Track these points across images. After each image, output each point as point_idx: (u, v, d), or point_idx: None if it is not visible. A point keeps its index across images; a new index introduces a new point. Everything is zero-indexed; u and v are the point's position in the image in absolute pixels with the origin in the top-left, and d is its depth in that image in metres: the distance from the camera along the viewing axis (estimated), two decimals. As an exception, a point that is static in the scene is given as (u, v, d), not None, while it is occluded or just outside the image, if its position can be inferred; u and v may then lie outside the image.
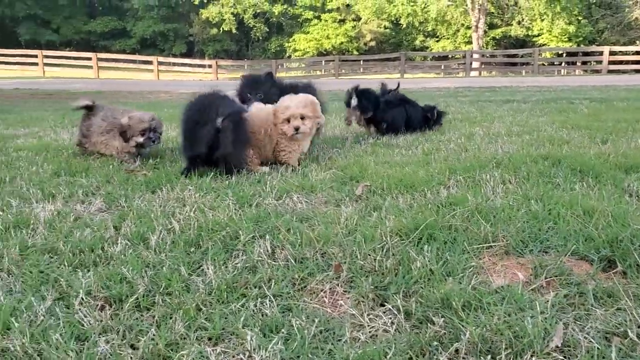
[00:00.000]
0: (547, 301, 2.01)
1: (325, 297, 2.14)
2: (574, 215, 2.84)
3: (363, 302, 2.09)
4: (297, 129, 4.28)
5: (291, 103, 4.33)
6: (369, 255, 2.44)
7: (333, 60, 37.86)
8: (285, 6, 53.34)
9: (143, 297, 2.10)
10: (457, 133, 6.18)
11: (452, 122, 7.55)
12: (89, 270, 2.35)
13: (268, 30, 54.75)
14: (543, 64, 37.26)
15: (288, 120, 4.30)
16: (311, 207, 3.30)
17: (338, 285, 2.23)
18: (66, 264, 2.43)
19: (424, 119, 6.55)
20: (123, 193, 3.66)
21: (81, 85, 28.38)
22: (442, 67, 37.81)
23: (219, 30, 52.81)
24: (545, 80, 27.46)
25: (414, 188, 3.60)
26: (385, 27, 51.14)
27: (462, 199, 3.21)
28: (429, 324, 1.90)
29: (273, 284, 2.22)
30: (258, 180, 4.00)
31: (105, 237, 2.75)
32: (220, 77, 37.44)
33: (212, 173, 4.07)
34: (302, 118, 4.31)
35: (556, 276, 2.22)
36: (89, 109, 4.94)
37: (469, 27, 45.02)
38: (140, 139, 4.57)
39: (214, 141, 3.95)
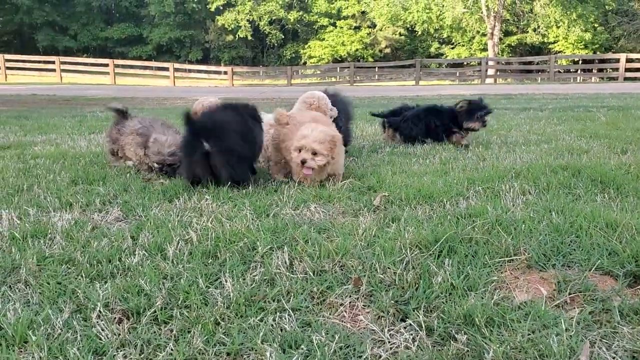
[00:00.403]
0: (572, 318, 1.97)
1: (345, 311, 2.11)
2: (596, 228, 2.79)
3: (383, 317, 2.06)
4: (303, 162, 4.02)
5: (310, 134, 4.05)
6: (389, 268, 2.41)
7: (348, 67, 37.87)
8: (300, 13, 53.50)
9: (161, 310, 2.08)
10: (475, 142, 6.13)
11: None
12: (106, 282, 2.34)
13: (283, 37, 54.94)
14: (559, 71, 37.01)
15: (299, 150, 4.07)
16: (329, 218, 3.27)
17: (358, 299, 2.19)
18: (83, 275, 2.42)
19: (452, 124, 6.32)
20: (140, 202, 3.66)
21: (98, 91, 28.62)
22: (457, 74, 37.66)
23: (234, 37, 53.09)
24: (562, 88, 27.28)
25: (432, 199, 3.56)
26: (400, 34, 51.14)
27: (482, 210, 3.17)
28: (451, 341, 1.86)
29: (292, 297, 2.19)
30: (275, 189, 3.99)
31: (123, 248, 2.73)
32: (235, 83, 37.57)
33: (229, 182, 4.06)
34: (314, 153, 4.02)
35: (580, 292, 2.17)
36: (122, 114, 4.98)
37: (484, 34, 44.85)
38: (156, 166, 4.50)
39: (210, 166, 3.97)
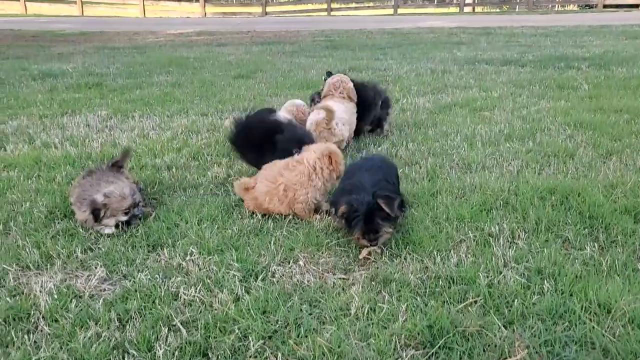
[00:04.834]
0: None
1: None
2: (589, 311, 2.79)
3: None
4: None
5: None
6: (384, 380, 2.39)
7: (324, -7, 36.76)
8: None
9: None
10: (460, 135, 6.02)
11: (453, 109, 7.38)
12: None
13: (256, -42, 52.88)
14: (538, -2, 36.51)
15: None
16: (319, 279, 3.22)
17: None
18: (73, 393, 2.36)
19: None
20: (122, 251, 3.57)
21: (65, 25, 27.65)
22: (435, 2, 36.95)
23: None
24: (541, 20, 26.98)
25: (422, 247, 3.51)
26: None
27: (473, 275, 3.13)
28: None
29: None
30: (261, 228, 3.90)
31: (111, 345, 2.66)
32: (208, 11, 36.40)
33: (218, 216, 3.97)
34: None
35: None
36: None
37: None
38: (124, 218, 3.96)
39: None
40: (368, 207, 3.44)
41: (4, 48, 19.67)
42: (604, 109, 7.01)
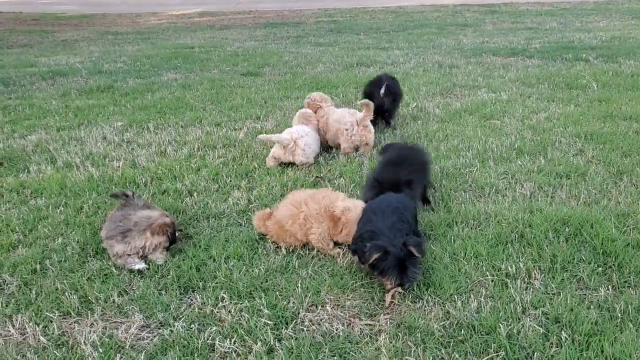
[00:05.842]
0: None
1: None
2: (605, 366, 2.97)
3: None
4: None
5: None
6: None
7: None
8: None
9: None
10: (472, 151, 6.14)
11: (462, 116, 7.49)
12: None
13: None
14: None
15: None
16: (346, 327, 3.37)
17: None
18: None
19: None
20: (156, 293, 3.73)
21: (66, 6, 27.55)
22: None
23: None
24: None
25: (443, 290, 3.67)
26: None
27: (493, 324, 3.29)
28: None
29: None
30: (286, 265, 4.05)
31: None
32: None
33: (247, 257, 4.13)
34: None
35: None
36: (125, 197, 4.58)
37: None
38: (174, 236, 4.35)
39: None
40: (398, 256, 3.61)
41: (7, 34, 19.66)
42: (613, 116, 7.12)
